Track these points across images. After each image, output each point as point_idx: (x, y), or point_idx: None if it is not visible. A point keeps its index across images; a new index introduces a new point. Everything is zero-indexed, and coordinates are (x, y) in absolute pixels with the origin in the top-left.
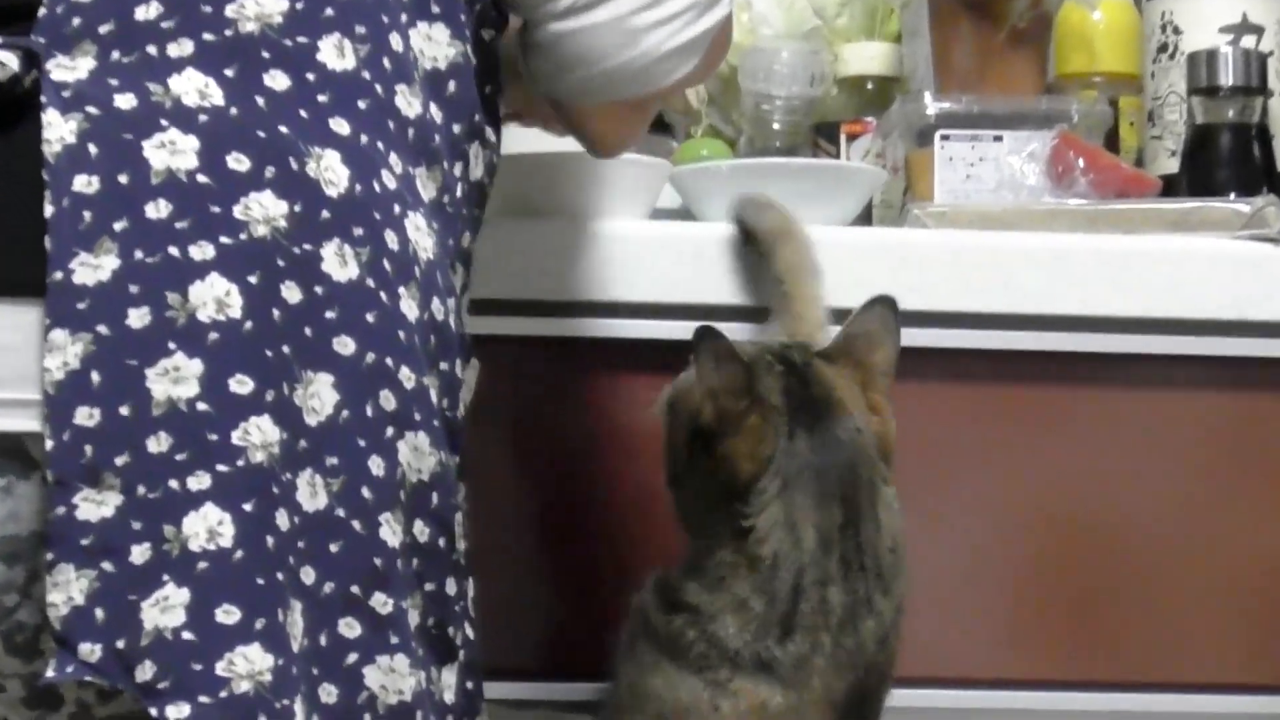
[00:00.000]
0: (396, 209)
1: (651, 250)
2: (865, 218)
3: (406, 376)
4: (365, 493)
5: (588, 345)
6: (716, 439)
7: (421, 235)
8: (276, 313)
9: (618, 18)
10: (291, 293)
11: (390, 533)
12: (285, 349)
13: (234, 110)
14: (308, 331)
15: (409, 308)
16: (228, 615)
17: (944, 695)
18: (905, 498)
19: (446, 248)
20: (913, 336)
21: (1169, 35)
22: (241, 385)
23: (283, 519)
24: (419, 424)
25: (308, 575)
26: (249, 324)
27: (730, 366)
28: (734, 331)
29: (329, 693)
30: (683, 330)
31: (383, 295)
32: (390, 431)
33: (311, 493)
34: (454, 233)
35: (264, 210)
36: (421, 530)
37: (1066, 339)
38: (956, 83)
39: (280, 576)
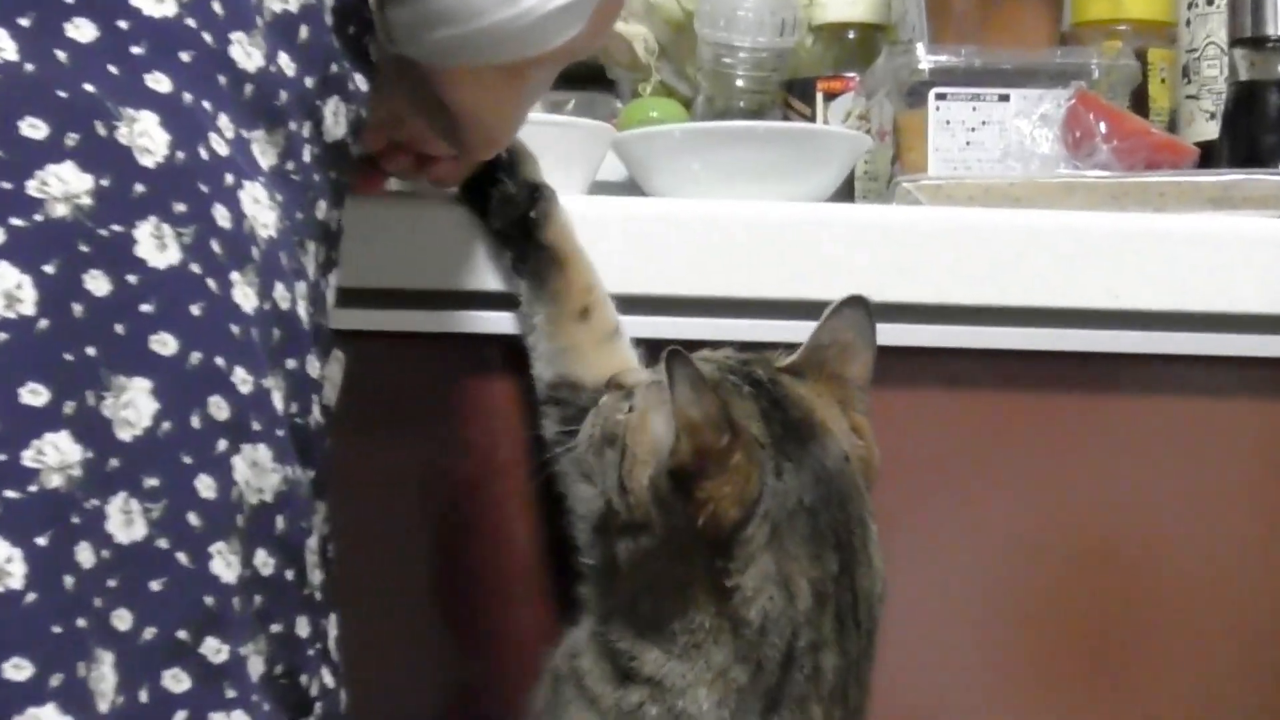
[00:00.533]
0: (229, 179)
1: (591, 231)
2: (846, 192)
3: (242, 379)
4: (193, 519)
5: (503, 344)
6: (695, 481)
7: (261, 209)
8: (78, 308)
9: None
10: (97, 283)
11: (224, 565)
12: (90, 351)
13: (29, 66)
14: (118, 329)
15: (244, 296)
16: (17, 670)
17: None
18: (893, 520)
19: (294, 222)
20: (902, 334)
21: None
22: (34, 396)
23: (86, 554)
24: (259, 434)
25: (121, 620)
26: (44, 322)
27: (707, 396)
28: (695, 327)
29: None
30: (633, 328)
31: (210, 283)
32: (223, 445)
33: (126, 521)
34: (302, 204)
35: (64, 185)
36: (265, 561)
37: (1084, 336)
38: (954, 31)
39: (82, 623)
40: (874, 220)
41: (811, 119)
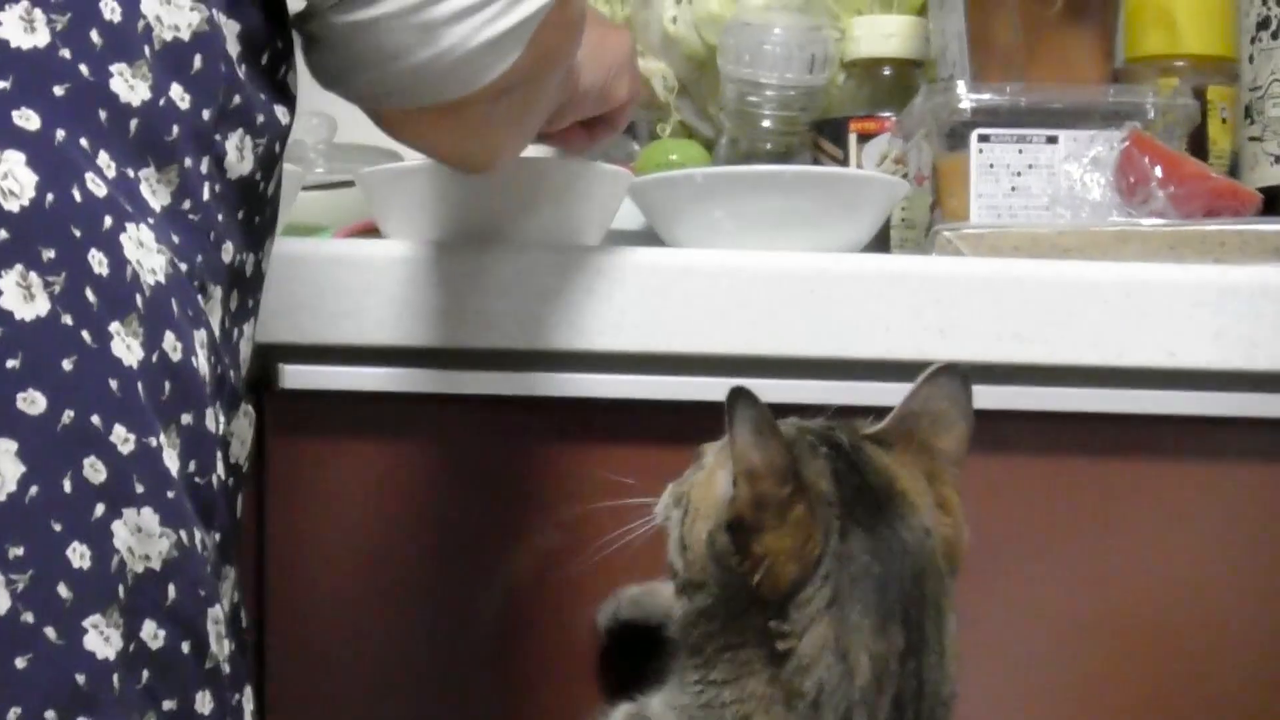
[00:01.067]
0: (108, 221)
1: (606, 283)
2: (881, 241)
3: (122, 438)
4: (63, 591)
5: (524, 406)
6: (752, 533)
7: (147, 254)
8: None
9: (405, 9)
10: None
11: (100, 640)
12: None
13: None
14: None
15: (125, 349)
16: None
17: None
18: None
19: (192, 266)
20: None
21: (1272, 7)
22: None
23: None
24: (142, 497)
25: None
26: None
27: (772, 441)
28: (717, 388)
29: None
30: (651, 388)
31: (85, 335)
32: (100, 510)
33: None
34: (204, 246)
35: None
36: (154, 633)
37: (1139, 397)
38: (998, 68)
39: None
40: (911, 272)
41: (844, 162)
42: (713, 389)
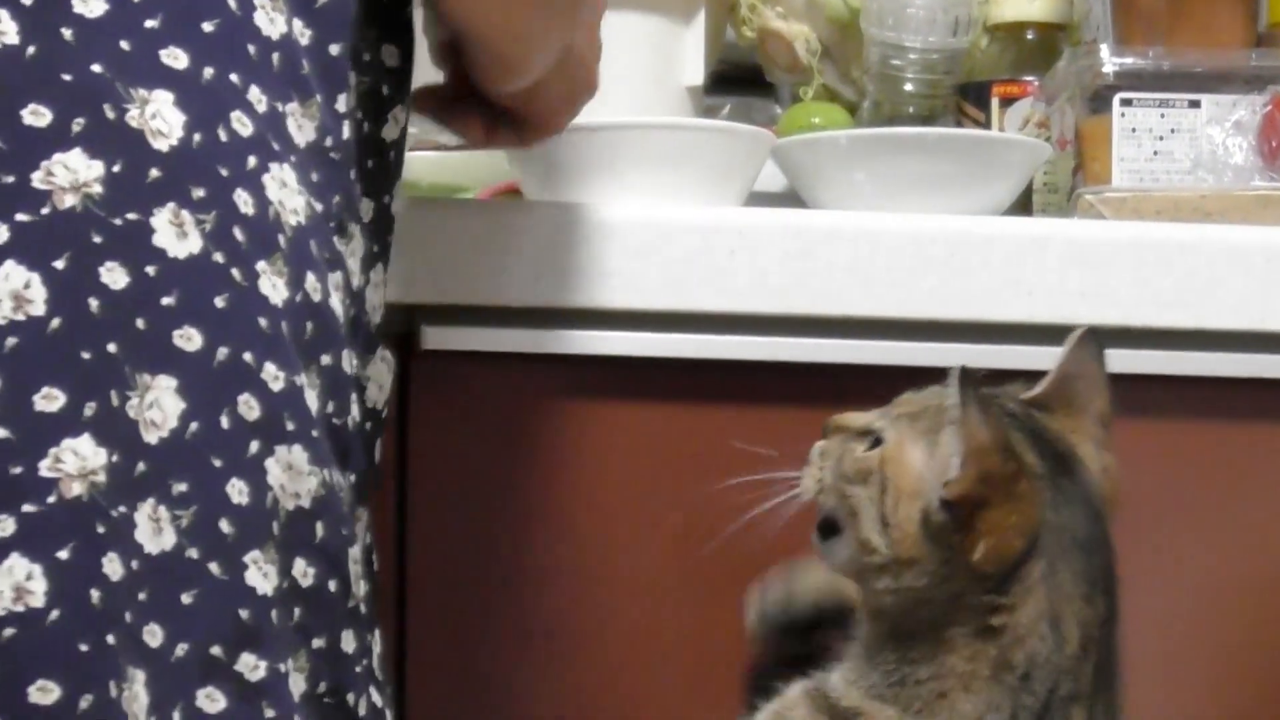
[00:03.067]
0: (252, 161)
1: (748, 245)
2: (1023, 204)
3: (273, 375)
4: (225, 526)
5: (666, 367)
6: (977, 509)
7: (289, 194)
8: (95, 303)
9: None
10: (114, 276)
11: (260, 576)
12: (111, 348)
13: (31, 49)
14: (139, 324)
15: (271, 287)
16: (44, 694)
17: None
18: None
19: (329, 207)
20: None
21: None
22: (50, 401)
23: (114, 566)
24: (293, 435)
25: (153, 636)
26: (56, 320)
27: (995, 419)
28: (859, 350)
29: None
30: (794, 350)
31: (235, 273)
32: (255, 446)
33: (154, 530)
34: (344, 186)
35: (72, 174)
36: (305, 571)
37: None
38: (1142, 32)
39: (112, 640)
40: (1054, 235)
41: (986, 126)
42: (855, 351)
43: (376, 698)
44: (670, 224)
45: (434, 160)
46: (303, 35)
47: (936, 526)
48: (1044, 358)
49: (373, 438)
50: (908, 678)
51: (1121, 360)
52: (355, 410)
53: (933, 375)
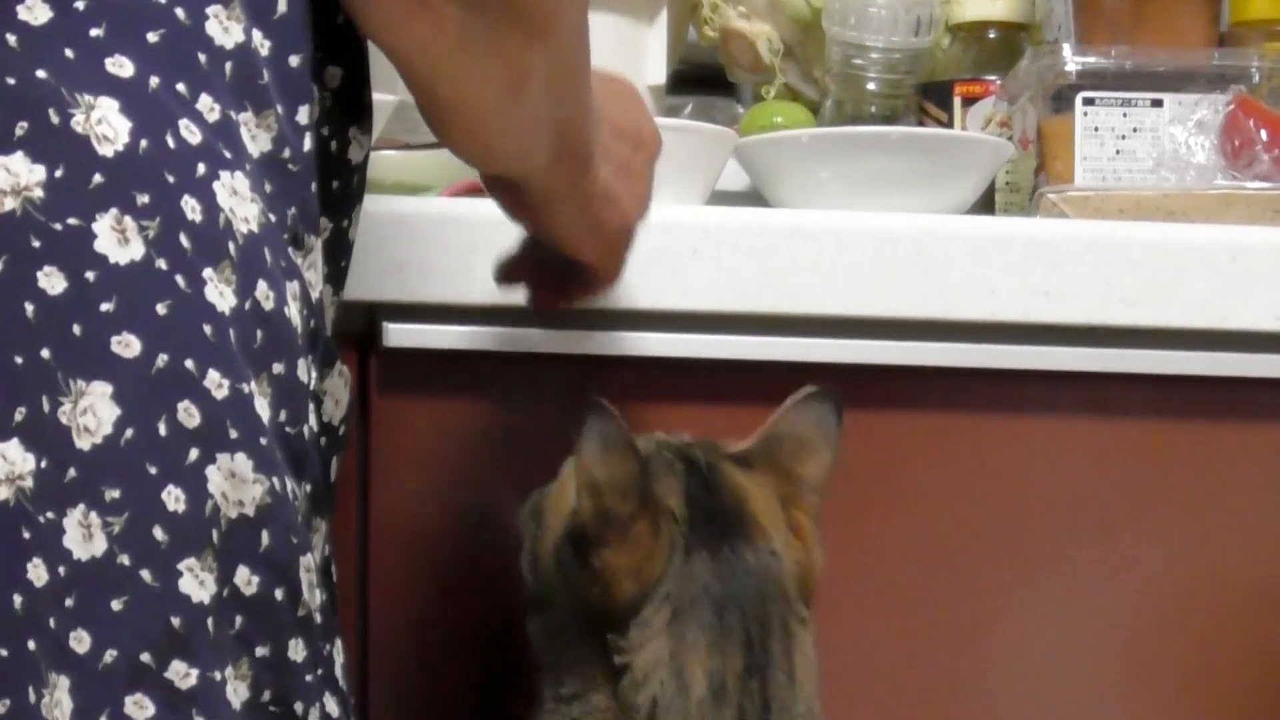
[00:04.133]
0: (201, 168)
1: (711, 244)
2: (986, 203)
3: (216, 383)
4: (158, 533)
5: (629, 365)
6: (593, 547)
7: (240, 202)
8: (30, 308)
9: None
10: (52, 281)
11: (195, 584)
12: (44, 353)
13: None
14: (76, 330)
15: (219, 295)
16: None
17: None
18: (1044, 556)
19: (284, 216)
20: (1048, 357)
21: None
22: None
23: (39, 571)
24: (236, 443)
25: (79, 642)
26: None
27: (620, 456)
28: (820, 349)
29: None
30: (755, 349)
31: (179, 279)
32: (195, 454)
33: (84, 536)
34: (301, 197)
35: (13, 178)
36: (248, 579)
37: (1245, 361)
38: (1104, 31)
39: (33, 645)
40: (1016, 234)
41: (949, 125)
42: (815, 350)
43: (333, 707)
44: None
45: (397, 158)
46: (262, 46)
47: (563, 560)
48: (1007, 356)
49: (329, 452)
50: (565, 715)
51: (1083, 358)
52: (312, 419)
53: (896, 374)
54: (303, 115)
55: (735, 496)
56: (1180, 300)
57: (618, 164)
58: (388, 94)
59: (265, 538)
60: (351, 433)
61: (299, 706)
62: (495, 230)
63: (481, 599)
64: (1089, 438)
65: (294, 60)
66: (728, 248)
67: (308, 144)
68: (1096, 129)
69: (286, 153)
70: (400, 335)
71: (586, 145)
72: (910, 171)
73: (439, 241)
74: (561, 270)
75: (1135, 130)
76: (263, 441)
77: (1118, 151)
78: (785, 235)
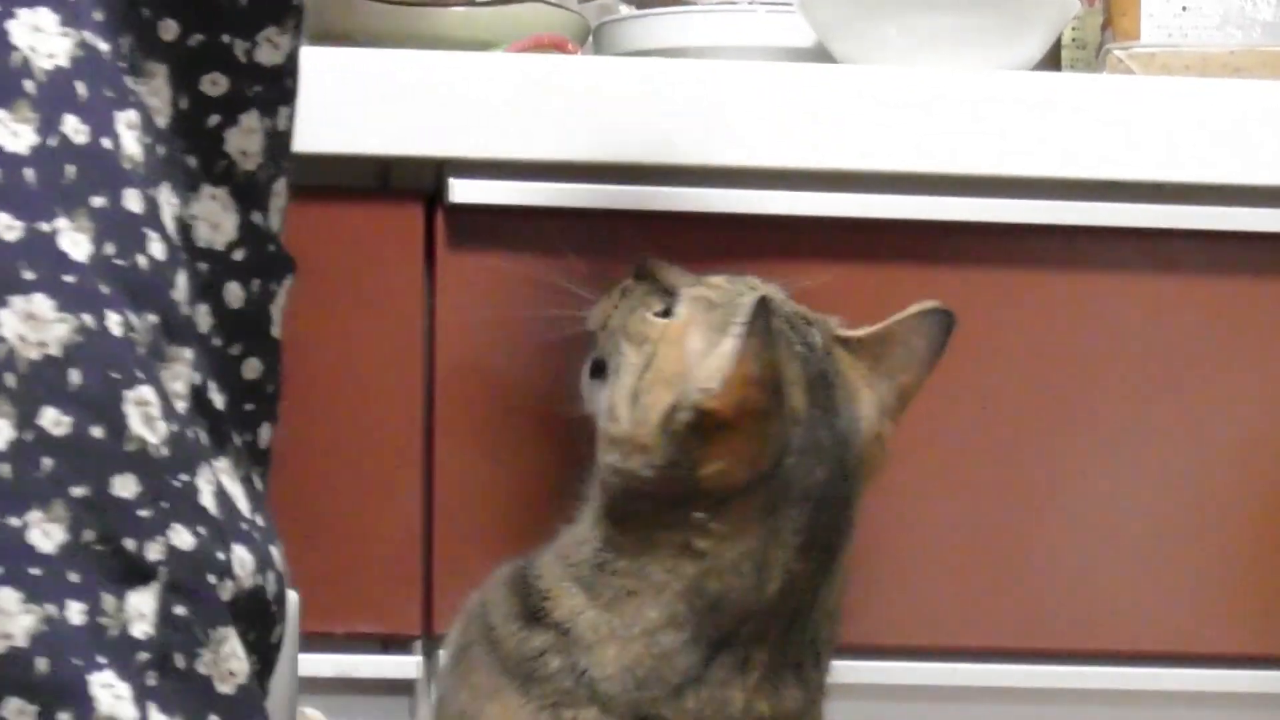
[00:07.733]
0: None
1: (773, 101)
2: (1051, 60)
3: (6, 225)
4: None
5: (692, 221)
6: (721, 429)
7: (44, 38)
8: None
9: None
10: None
11: None
12: None
13: None
14: None
15: (13, 135)
16: None
17: (1125, 673)
18: (1113, 419)
19: (116, 46)
20: (1115, 213)
21: None
22: None
23: None
24: (33, 284)
25: None
26: None
27: (771, 355)
28: (883, 205)
29: None
30: (818, 205)
31: None
32: None
33: None
34: (136, 24)
35: None
36: (56, 420)
37: None
38: None
39: None
40: (1081, 91)
41: None
42: (878, 206)
43: (184, 538)
44: (702, 76)
45: (462, 15)
46: None
47: (678, 425)
48: (1073, 213)
49: (220, 279)
50: (606, 565)
51: (1150, 215)
52: (155, 249)
53: (961, 230)
54: None
55: (847, 389)
56: (1245, 157)
57: None
58: None
59: (75, 376)
60: (416, 285)
61: (130, 543)
62: (561, 87)
63: (548, 452)
64: (1155, 294)
65: None
66: (790, 104)
67: None
68: None
69: None
70: (466, 190)
71: None
72: (976, 28)
73: (505, 98)
74: None
75: None
76: (67, 279)
77: (1184, 8)
78: (847, 93)
